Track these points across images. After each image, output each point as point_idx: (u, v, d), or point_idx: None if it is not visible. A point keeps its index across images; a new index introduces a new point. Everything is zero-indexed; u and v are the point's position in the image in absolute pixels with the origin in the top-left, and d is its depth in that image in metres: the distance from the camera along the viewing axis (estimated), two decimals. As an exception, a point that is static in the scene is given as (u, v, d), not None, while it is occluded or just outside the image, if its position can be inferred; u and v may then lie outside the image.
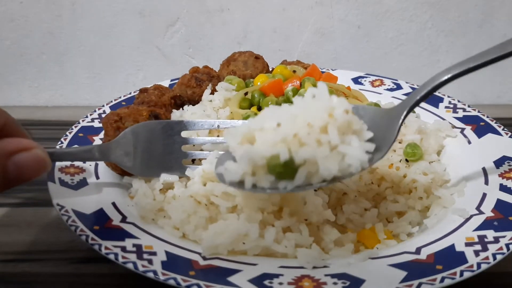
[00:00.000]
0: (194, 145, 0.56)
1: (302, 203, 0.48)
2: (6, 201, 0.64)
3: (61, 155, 0.50)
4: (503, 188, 0.53)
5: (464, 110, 0.69)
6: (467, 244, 0.45)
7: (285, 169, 0.42)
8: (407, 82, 0.77)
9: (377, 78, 0.79)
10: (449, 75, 0.46)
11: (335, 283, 0.41)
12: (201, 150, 0.57)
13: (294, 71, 0.69)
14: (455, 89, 0.97)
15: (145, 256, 0.44)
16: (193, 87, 0.67)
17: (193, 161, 0.57)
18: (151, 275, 0.42)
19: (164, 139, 0.55)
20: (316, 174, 0.42)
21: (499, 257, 0.43)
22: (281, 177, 0.42)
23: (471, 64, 0.46)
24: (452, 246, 0.45)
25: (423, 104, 0.72)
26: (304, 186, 0.43)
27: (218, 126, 0.55)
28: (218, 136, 0.58)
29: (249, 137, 0.44)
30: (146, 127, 0.54)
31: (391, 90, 0.76)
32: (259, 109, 0.62)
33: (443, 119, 0.67)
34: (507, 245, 0.45)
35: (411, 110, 0.47)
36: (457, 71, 0.46)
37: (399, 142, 0.60)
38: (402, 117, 0.46)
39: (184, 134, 0.56)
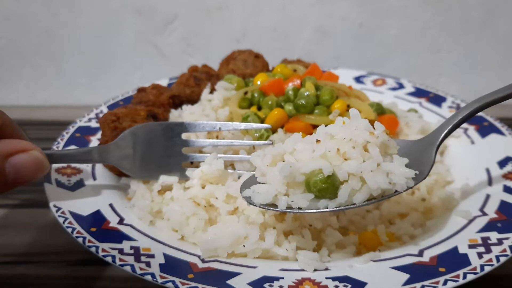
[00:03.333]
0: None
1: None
2: (3, 203, 0.63)
3: (59, 157, 0.49)
4: (507, 189, 0.52)
5: (467, 109, 0.68)
6: (470, 246, 0.45)
7: (326, 186, 0.41)
8: (409, 81, 0.77)
9: (379, 77, 0.78)
10: (481, 103, 0.48)
11: (336, 286, 0.41)
12: (200, 151, 0.56)
13: (295, 70, 0.68)
14: (458, 88, 0.96)
15: (143, 258, 0.43)
16: (191, 86, 0.66)
17: (192, 162, 0.56)
18: (149, 278, 0.41)
19: (164, 141, 0.54)
20: (360, 192, 0.42)
21: (502, 259, 0.43)
22: (321, 195, 0.41)
23: (500, 94, 0.48)
24: (455, 248, 0.45)
25: (426, 104, 0.71)
26: (346, 205, 0.42)
27: (219, 128, 0.54)
28: (217, 137, 0.57)
29: (279, 160, 0.44)
30: (146, 129, 0.53)
31: (393, 89, 0.75)
32: (259, 108, 0.61)
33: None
34: (510, 247, 0.44)
35: (447, 135, 0.48)
36: (489, 100, 0.48)
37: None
38: (438, 142, 0.47)
39: (183, 135, 0.55)
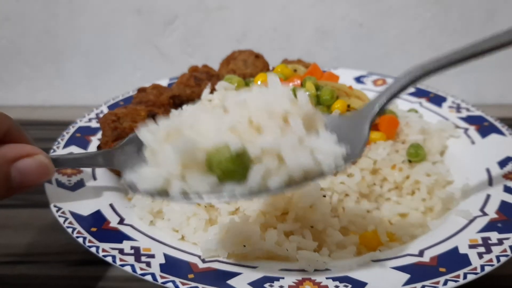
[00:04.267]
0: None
1: (309, 208, 0.47)
2: (3, 203, 0.62)
3: (64, 161, 0.49)
4: (507, 189, 0.52)
5: (468, 110, 0.68)
6: (471, 246, 0.45)
7: (233, 166, 0.31)
8: (409, 81, 0.77)
9: (379, 77, 0.78)
10: (423, 72, 0.40)
11: (336, 286, 0.41)
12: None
13: (295, 70, 0.68)
14: (458, 88, 0.96)
15: (143, 258, 0.43)
16: (192, 86, 0.66)
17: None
18: (149, 278, 0.41)
19: None
20: (276, 174, 0.32)
21: (503, 259, 0.43)
22: (226, 178, 0.32)
23: (442, 61, 0.41)
24: (456, 248, 0.45)
25: (426, 104, 0.71)
26: (259, 191, 0.32)
27: None
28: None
29: (176, 136, 0.34)
30: None
31: (393, 89, 0.75)
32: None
33: (447, 119, 0.67)
34: (511, 247, 0.44)
35: (382, 108, 0.40)
36: (432, 67, 0.41)
37: (402, 143, 0.59)
38: (371, 116, 0.39)
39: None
